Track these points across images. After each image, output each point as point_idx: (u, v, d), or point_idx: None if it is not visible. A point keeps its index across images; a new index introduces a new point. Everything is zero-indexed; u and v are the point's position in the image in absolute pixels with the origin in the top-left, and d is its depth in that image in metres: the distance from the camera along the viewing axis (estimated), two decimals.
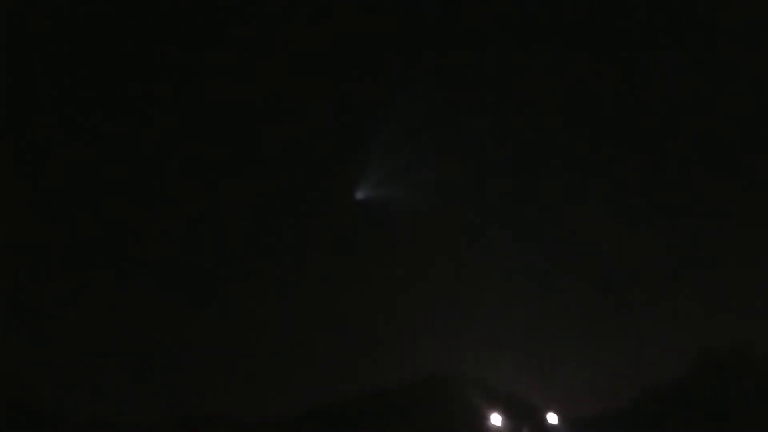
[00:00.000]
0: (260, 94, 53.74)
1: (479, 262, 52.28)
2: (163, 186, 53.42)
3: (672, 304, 52.42)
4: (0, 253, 43.74)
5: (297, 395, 48.53)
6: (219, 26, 52.73)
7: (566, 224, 53.23)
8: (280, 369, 49.57)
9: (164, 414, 46.19)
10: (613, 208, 53.53)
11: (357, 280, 52.82)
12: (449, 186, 52.32)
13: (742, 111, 52.91)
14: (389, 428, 47.05)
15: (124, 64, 51.90)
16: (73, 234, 51.10)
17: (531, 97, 53.65)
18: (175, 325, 50.03)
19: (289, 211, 53.82)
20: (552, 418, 45.77)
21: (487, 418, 44.86)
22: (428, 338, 48.69)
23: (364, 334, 49.96)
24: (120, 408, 45.48)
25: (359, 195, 49.16)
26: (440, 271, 52.97)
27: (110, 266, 50.73)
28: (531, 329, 49.13)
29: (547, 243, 53.50)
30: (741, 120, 53.43)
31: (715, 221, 54.06)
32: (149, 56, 51.97)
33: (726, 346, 51.17)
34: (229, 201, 53.13)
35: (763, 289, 50.83)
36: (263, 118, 54.12)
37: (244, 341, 50.21)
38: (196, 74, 53.11)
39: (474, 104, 53.77)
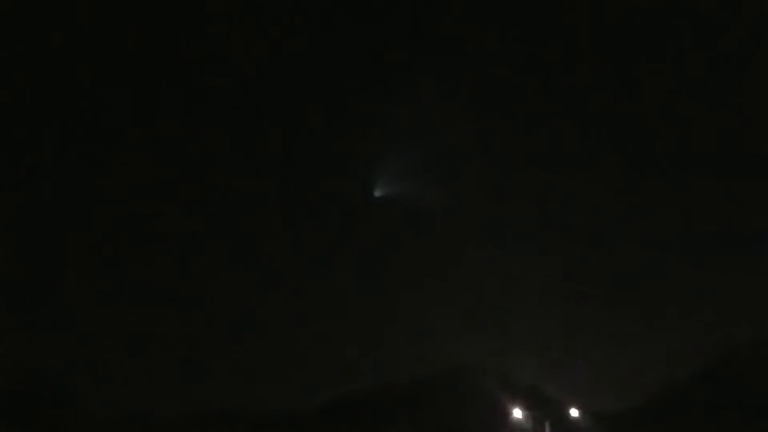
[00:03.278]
0: (278, 96, 54.27)
1: (503, 258, 52.41)
2: (180, 184, 53.22)
3: (691, 303, 52.87)
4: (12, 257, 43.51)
5: (321, 387, 48.88)
6: (233, 27, 52.98)
7: (588, 224, 53.64)
8: (302, 362, 49.81)
9: (180, 408, 46.36)
10: (634, 208, 53.97)
11: (380, 275, 53.15)
12: (471, 184, 52.72)
13: (747, 113, 53.44)
14: (413, 419, 46.91)
15: (124, 65, 51.96)
16: (86, 236, 51.36)
17: (550, 97, 54.44)
18: (194, 322, 50.44)
19: (310, 209, 54.17)
20: (573, 413, 45.68)
21: (510, 412, 44.56)
22: (453, 332, 49.12)
23: (390, 328, 50.48)
24: (141, 402, 45.50)
25: (378, 192, 49.60)
26: (463, 266, 53.15)
27: (127, 266, 50.84)
28: (553, 326, 50.02)
29: (569, 242, 53.84)
30: (749, 123, 53.91)
31: (730, 222, 54.50)
32: (156, 56, 52.01)
33: (743, 344, 51.44)
34: (253, 202, 53.10)
35: None
36: (282, 120, 54.50)
37: (265, 336, 50.61)
38: (210, 74, 53.77)
39: (491, 104, 54.29)
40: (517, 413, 44.49)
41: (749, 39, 52.23)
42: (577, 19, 53.71)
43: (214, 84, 54.37)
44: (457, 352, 48.08)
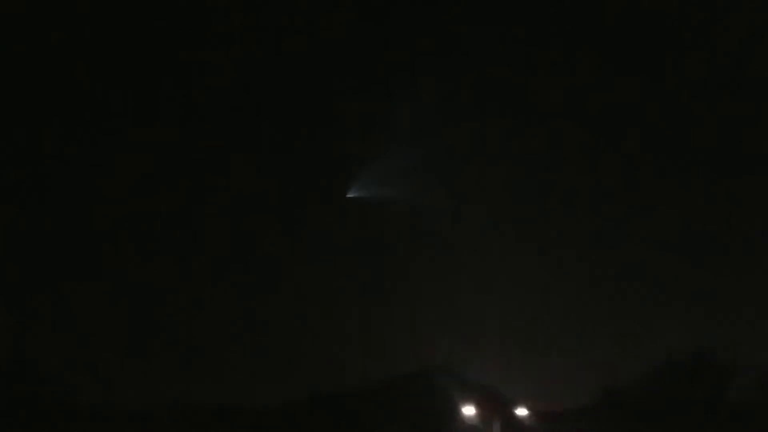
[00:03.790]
0: (255, 93, 55.35)
1: (457, 260, 54.54)
2: (162, 184, 54.37)
3: (639, 307, 54.90)
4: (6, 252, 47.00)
5: (284, 388, 50.30)
6: (214, 25, 54.01)
7: (544, 226, 55.66)
8: (270, 362, 51.19)
9: (167, 402, 48.14)
10: (589, 211, 55.30)
11: (343, 276, 54.58)
12: (437, 185, 54.23)
13: (741, 112, 54.46)
14: (369, 419, 49.68)
15: (113, 64, 53.09)
16: (77, 231, 52.37)
17: (528, 96, 55.19)
18: (177, 318, 51.71)
19: (283, 208, 55.22)
20: (521, 412, 49.22)
21: (461, 410, 48.29)
22: (408, 334, 51.35)
23: (349, 330, 52.19)
24: (125, 396, 47.33)
25: (352, 193, 51.96)
26: (420, 268, 55.27)
27: (113, 261, 52.31)
28: (504, 326, 50.89)
29: (523, 244, 55.22)
30: (733, 121, 54.98)
31: (686, 228, 56.04)
32: (141, 57, 53.15)
33: (690, 350, 54.02)
34: (226, 198, 54.70)
35: (728, 296, 53.36)
36: (257, 116, 55.50)
37: (238, 334, 51.68)
38: (187, 73, 54.61)
39: (470, 105, 54.93)
40: (468, 411, 48.22)
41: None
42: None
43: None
44: (412, 354, 50.02)
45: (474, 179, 55.02)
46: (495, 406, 49.84)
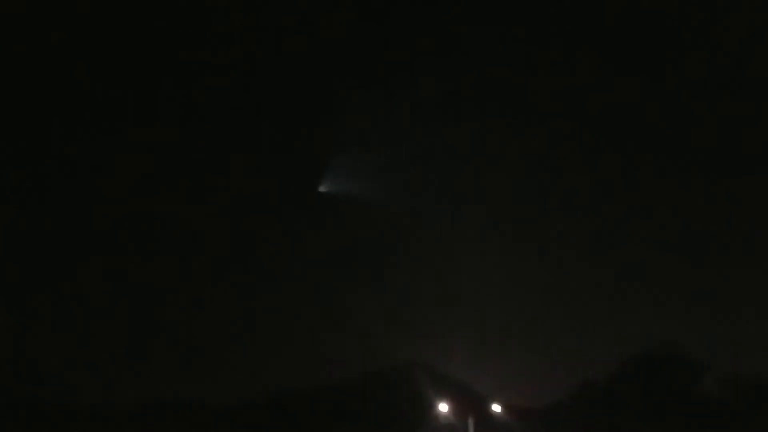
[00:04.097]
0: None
1: (432, 258, 57.05)
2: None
3: (610, 306, 57.40)
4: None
5: (261, 384, 53.49)
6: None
7: (518, 225, 57.37)
8: (247, 358, 55.13)
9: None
10: (560, 212, 56.65)
11: (317, 273, 56.96)
12: (411, 183, 55.92)
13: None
14: (350, 414, 52.47)
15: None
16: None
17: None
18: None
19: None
20: (495, 408, 51.01)
21: (437, 406, 50.14)
22: (387, 330, 53.64)
23: (325, 327, 54.79)
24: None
25: (323, 188, 54.06)
26: (395, 265, 59.64)
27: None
28: (480, 325, 54.90)
29: (495, 244, 57.47)
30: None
31: (653, 228, 57.49)
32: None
33: (658, 347, 56.31)
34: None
35: (695, 294, 55.30)
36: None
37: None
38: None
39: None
40: (443, 407, 50.49)
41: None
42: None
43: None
44: (391, 351, 52.74)
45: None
46: (469, 403, 51.85)
